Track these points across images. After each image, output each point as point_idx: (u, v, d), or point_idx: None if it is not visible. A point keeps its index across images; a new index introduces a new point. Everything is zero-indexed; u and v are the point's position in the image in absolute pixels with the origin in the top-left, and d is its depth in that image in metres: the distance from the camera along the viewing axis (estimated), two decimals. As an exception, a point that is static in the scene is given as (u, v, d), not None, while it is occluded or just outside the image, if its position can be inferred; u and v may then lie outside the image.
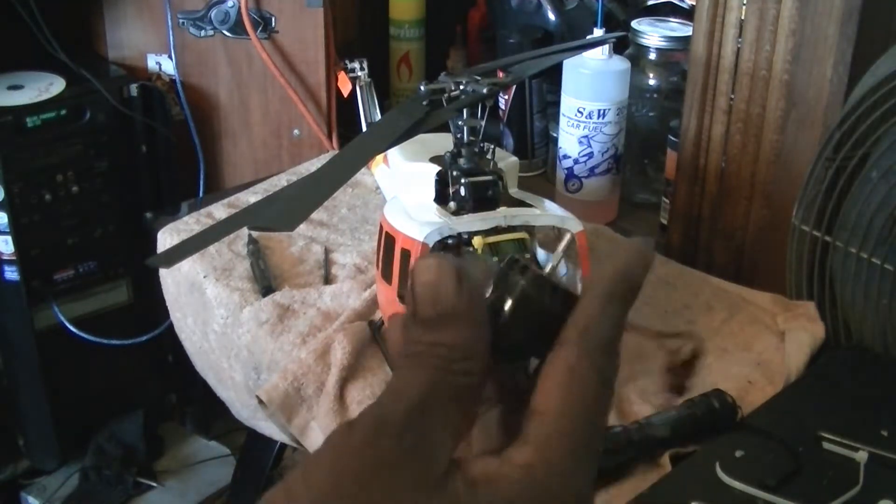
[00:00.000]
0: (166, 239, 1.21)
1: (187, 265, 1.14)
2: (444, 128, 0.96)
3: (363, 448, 0.32)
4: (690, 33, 1.24)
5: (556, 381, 0.35)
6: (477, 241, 0.87)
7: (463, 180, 0.91)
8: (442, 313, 0.34)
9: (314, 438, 0.95)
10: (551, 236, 0.98)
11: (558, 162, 1.36)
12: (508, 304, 0.36)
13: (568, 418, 0.35)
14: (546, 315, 0.36)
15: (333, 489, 0.32)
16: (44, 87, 1.56)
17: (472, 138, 0.93)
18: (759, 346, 1.02)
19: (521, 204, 0.93)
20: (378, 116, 1.50)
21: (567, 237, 0.33)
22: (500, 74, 1.02)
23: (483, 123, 0.94)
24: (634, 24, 1.39)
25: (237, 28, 1.56)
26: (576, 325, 0.36)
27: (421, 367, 0.34)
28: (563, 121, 1.32)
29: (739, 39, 1.16)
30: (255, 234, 1.17)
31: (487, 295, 0.36)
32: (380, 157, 1.16)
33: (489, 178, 0.91)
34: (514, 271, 0.36)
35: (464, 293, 0.34)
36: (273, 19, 1.55)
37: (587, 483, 0.35)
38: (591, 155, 1.32)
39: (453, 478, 0.33)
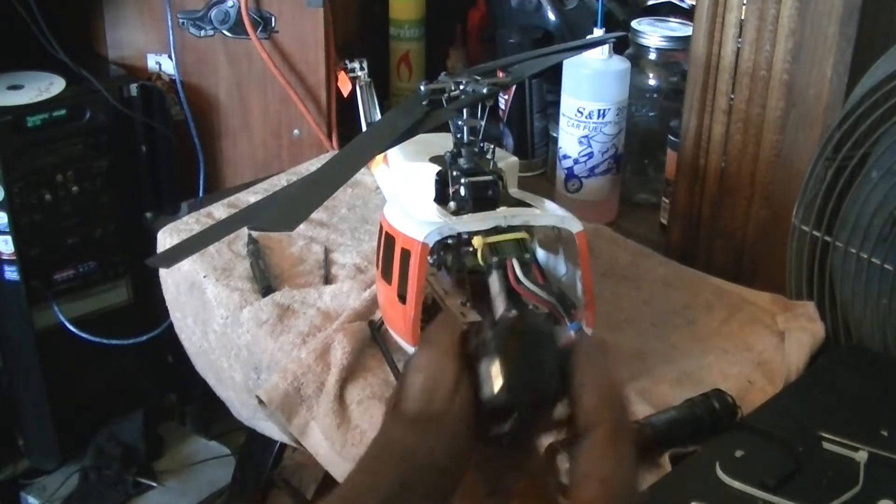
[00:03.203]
0: (166, 239, 1.21)
1: (187, 265, 1.14)
2: (444, 128, 0.96)
3: None
4: (690, 33, 1.24)
5: None
6: (477, 241, 0.87)
7: (463, 180, 0.91)
8: (430, 415, 0.33)
9: (314, 438, 0.95)
10: (551, 236, 0.98)
11: (558, 162, 1.36)
12: (496, 367, 0.34)
13: None
14: (536, 360, 0.34)
15: None
16: (44, 87, 1.56)
17: (472, 138, 0.93)
18: (759, 346, 1.02)
19: (521, 204, 0.93)
20: (378, 116, 1.50)
21: (497, 281, 0.31)
22: (500, 74, 1.02)
23: (483, 123, 0.94)
24: (634, 24, 1.39)
25: (237, 28, 1.56)
26: (591, 480, 0.34)
27: (397, 464, 0.32)
28: (563, 121, 1.32)
29: (739, 39, 1.16)
30: (255, 234, 1.17)
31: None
32: (380, 157, 1.16)
33: (489, 178, 0.91)
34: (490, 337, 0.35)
35: (459, 404, 0.33)
36: (273, 19, 1.55)
37: None
38: (591, 155, 1.32)
39: None
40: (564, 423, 0.36)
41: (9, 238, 1.53)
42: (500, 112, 1.51)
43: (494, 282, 0.29)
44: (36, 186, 1.54)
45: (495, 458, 0.36)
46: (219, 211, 1.26)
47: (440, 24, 1.68)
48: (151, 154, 1.65)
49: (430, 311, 0.92)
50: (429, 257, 0.91)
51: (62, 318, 1.61)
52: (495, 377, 0.34)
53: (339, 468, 0.92)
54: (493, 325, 0.35)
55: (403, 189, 1.01)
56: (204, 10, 1.57)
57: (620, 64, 1.29)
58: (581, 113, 1.29)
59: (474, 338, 0.35)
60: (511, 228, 0.88)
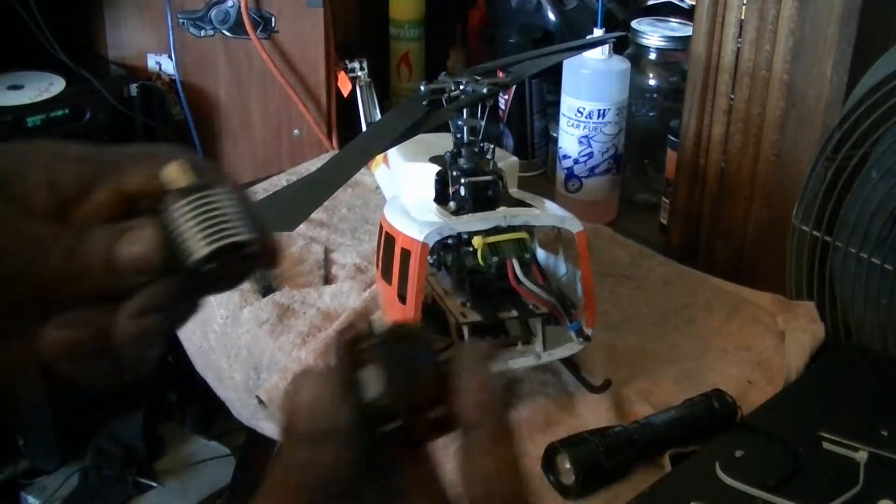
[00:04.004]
0: (166, 239, 1.21)
1: (187, 265, 1.14)
2: (444, 128, 0.96)
3: None
4: (690, 33, 1.24)
5: None
6: (477, 241, 0.87)
7: (463, 180, 0.91)
8: (319, 431, 0.33)
9: (314, 438, 0.94)
10: (551, 236, 0.98)
11: (558, 162, 1.36)
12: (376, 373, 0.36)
13: None
14: (412, 362, 0.36)
15: None
16: (44, 87, 1.55)
17: (472, 138, 0.93)
18: (759, 346, 1.02)
19: (521, 204, 0.93)
20: (378, 116, 1.50)
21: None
22: (500, 74, 1.02)
23: (483, 123, 0.94)
24: (634, 24, 1.39)
25: (237, 28, 1.56)
26: (474, 478, 0.35)
27: (292, 490, 0.33)
28: (563, 121, 1.32)
29: (739, 39, 1.16)
30: (255, 234, 1.17)
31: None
32: (380, 157, 1.16)
33: (489, 178, 0.91)
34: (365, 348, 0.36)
35: (344, 414, 0.34)
36: (273, 19, 1.55)
37: None
38: (591, 155, 1.32)
39: None
40: (449, 424, 0.37)
41: (9, 238, 1.53)
42: (500, 112, 1.51)
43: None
44: (36, 186, 1.54)
45: (386, 465, 0.36)
46: (219, 211, 1.26)
47: (440, 24, 1.68)
48: (151, 154, 1.65)
49: (430, 311, 0.92)
50: (429, 257, 0.91)
51: (62, 318, 1.60)
52: (376, 381, 0.36)
53: (339, 468, 0.92)
54: (374, 336, 0.36)
55: (403, 189, 1.01)
56: (204, 10, 1.57)
57: (620, 64, 1.29)
58: (581, 113, 1.29)
59: (357, 347, 0.36)
60: (511, 228, 0.88)
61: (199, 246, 0.37)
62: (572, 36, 1.49)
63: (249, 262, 0.38)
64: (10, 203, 0.36)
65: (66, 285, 0.36)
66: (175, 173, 0.39)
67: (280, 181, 1.34)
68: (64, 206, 0.37)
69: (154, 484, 1.79)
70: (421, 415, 0.36)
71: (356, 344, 0.36)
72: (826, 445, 0.81)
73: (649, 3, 1.54)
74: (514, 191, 0.97)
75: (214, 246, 0.37)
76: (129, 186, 0.38)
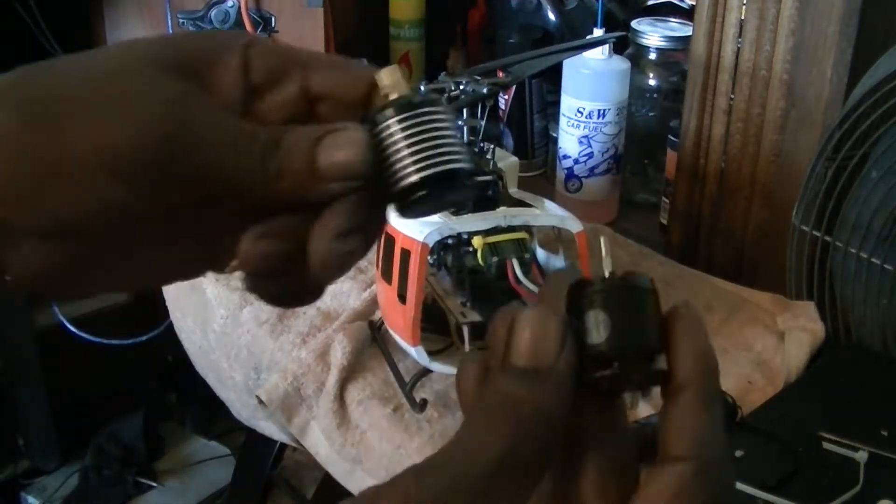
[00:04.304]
0: (166, 239, 1.21)
1: (187, 265, 1.14)
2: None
3: None
4: (690, 33, 1.24)
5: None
6: (477, 241, 0.87)
7: (463, 180, 0.91)
8: (539, 368, 0.32)
9: (314, 438, 0.95)
10: (551, 236, 0.98)
11: (558, 162, 1.36)
12: (599, 317, 0.34)
13: None
14: (637, 312, 0.35)
15: None
16: (44, 87, 1.55)
17: (472, 138, 0.93)
18: (759, 346, 1.02)
19: (521, 204, 0.93)
20: (378, 116, 1.49)
21: (605, 244, 0.32)
22: (500, 74, 1.02)
23: (483, 123, 0.94)
24: (634, 24, 1.39)
25: (237, 28, 1.56)
26: (684, 437, 0.34)
27: (503, 425, 0.31)
28: (563, 121, 1.32)
29: (739, 39, 1.16)
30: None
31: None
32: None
33: (489, 178, 0.91)
34: (588, 290, 0.35)
35: (567, 354, 0.33)
36: (273, 19, 1.55)
37: None
38: (591, 155, 1.32)
39: None
40: (659, 379, 0.36)
41: (9, 238, 1.53)
42: (500, 112, 1.51)
43: (604, 244, 0.30)
44: (36, 186, 1.54)
45: (582, 409, 0.36)
46: (219, 211, 1.26)
47: (440, 24, 1.68)
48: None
49: (430, 311, 0.92)
50: (429, 257, 0.91)
51: (62, 318, 1.61)
52: (602, 327, 0.35)
53: (339, 468, 0.92)
54: (601, 281, 0.35)
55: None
56: (204, 10, 1.57)
57: (620, 64, 1.29)
58: (581, 113, 1.29)
59: (582, 292, 0.35)
60: (511, 228, 0.88)
61: (413, 168, 0.34)
62: (572, 36, 1.49)
63: (460, 192, 0.36)
64: (205, 89, 0.34)
65: (264, 188, 0.33)
66: (392, 79, 0.35)
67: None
68: (250, 96, 0.35)
69: (154, 484, 1.79)
70: (637, 365, 0.35)
71: (580, 288, 0.35)
72: (826, 445, 0.81)
73: (649, 3, 1.54)
74: (514, 191, 0.97)
75: (432, 171, 0.34)
76: (317, 84, 0.36)
